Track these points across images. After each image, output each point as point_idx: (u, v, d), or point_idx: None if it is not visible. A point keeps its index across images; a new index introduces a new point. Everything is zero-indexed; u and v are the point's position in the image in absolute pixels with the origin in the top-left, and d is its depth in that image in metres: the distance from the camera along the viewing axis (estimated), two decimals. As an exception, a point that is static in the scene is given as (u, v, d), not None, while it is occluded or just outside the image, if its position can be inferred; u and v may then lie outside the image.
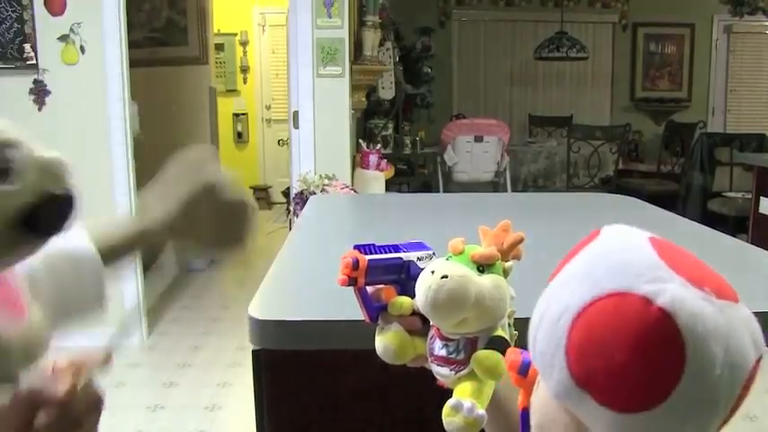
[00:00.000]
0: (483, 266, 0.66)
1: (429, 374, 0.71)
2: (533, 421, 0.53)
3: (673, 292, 0.44)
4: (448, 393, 0.67)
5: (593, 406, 0.45)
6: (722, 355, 0.43)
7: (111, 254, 0.89)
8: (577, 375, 0.46)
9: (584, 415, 0.47)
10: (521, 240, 0.69)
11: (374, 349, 0.72)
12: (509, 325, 0.69)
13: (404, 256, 0.73)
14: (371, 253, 0.71)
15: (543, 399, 0.51)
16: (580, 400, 0.46)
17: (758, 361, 0.46)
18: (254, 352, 1.02)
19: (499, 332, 0.67)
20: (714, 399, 0.44)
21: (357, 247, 0.71)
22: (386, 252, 0.72)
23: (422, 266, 0.72)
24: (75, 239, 0.85)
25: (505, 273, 0.68)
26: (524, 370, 0.56)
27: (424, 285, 0.65)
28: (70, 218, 0.67)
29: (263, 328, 0.98)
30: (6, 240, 0.64)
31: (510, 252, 0.69)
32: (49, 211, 0.65)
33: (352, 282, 0.69)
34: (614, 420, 0.45)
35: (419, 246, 0.75)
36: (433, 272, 0.65)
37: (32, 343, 0.69)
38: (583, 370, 0.46)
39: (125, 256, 0.92)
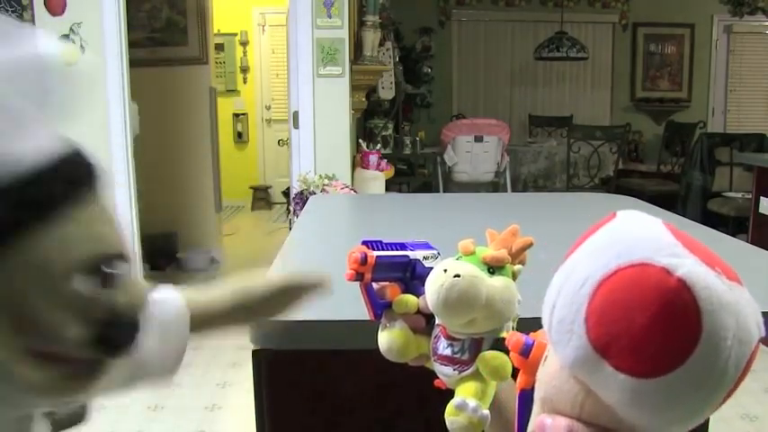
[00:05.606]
0: (493, 268, 0.66)
1: (430, 374, 0.71)
2: (538, 395, 0.54)
3: (690, 266, 0.47)
4: (448, 393, 0.67)
5: (609, 372, 0.47)
6: (734, 327, 0.46)
7: (204, 323, 0.82)
8: (596, 341, 0.48)
9: (597, 382, 0.49)
10: (529, 245, 0.69)
11: (374, 349, 0.72)
12: (513, 328, 0.69)
13: (410, 254, 0.73)
14: (379, 249, 0.70)
15: (552, 370, 0.53)
16: (596, 366, 0.48)
17: (759, 341, 0.49)
18: (254, 352, 1.02)
19: (504, 334, 0.66)
20: (725, 368, 0.46)
21: (365, 243, 0.70)
22: (393, 249, 0.72)
23: (427, 266, 0.71)
24: (170, 299, 0.79)
25: (514, 276, 0.68)
26: (527, 351, 0.58)
27: (436, 283, 0.64)
28: (127, 349, 0.61)
29: (262, 328, 0.98)
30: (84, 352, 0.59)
31: (518, 256, 0.69)
32: (121, 330, 0.59)
33: (359, 277, 0.69)
34: (630, 385, 0.46)
35: (425, 245, 0.75)
36: (445, 270, 0.64)
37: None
38: (602, 335, 0.47)
39: (218, 327, 0.84)
